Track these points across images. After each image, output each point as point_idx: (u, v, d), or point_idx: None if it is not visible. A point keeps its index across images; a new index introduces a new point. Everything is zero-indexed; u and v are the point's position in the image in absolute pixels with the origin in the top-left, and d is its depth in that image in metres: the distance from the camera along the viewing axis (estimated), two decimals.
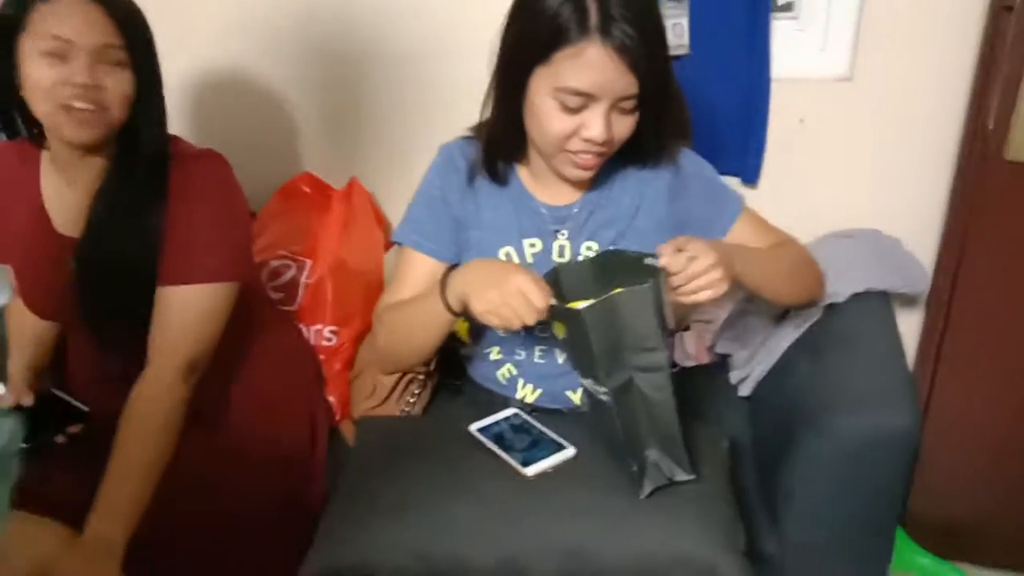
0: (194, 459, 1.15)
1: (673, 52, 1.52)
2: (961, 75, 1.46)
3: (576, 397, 1.25)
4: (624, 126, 1.07)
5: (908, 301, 1.63)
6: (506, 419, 1.23)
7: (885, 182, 1.57)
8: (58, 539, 1.03)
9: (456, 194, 1.21)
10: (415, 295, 1.19)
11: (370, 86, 1.72)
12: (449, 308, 1.09)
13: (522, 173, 1.21)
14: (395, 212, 1.81)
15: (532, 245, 1.20)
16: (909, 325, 1.64)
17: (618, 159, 1.16)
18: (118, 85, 1.08)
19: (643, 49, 1.00)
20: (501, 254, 1.20)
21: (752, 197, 1.62)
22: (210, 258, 1.15)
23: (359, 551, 1.04)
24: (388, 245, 1.70)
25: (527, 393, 1.27)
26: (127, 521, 1.03)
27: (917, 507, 1.65)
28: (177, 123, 1.87)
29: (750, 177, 1.60)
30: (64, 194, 1.19)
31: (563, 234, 1.20)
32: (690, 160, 1.22)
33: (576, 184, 1.19)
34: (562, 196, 1.20)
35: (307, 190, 1.73)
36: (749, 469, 1.38)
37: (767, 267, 1.19)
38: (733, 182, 1.62)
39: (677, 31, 1.50)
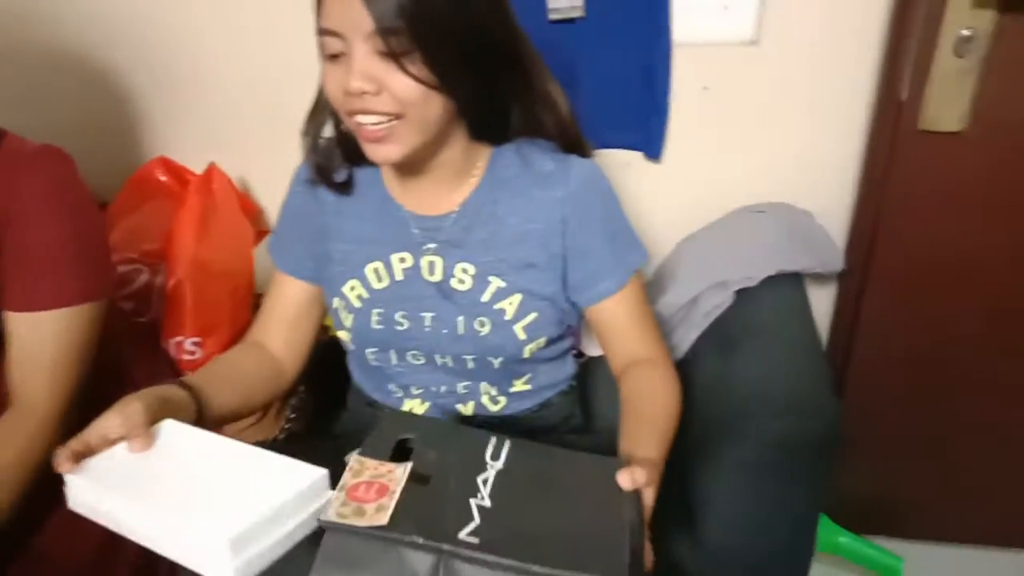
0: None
1: (566, 15, 1.38)
2: (872, 39, 1.37)
3: (467, 409, 1.12)
4: (399, 81, 0.85)
5: (820, 280, 1.55)
6: None
7: (795, 153, 1.47)
8: None
9: (317, 204, 1.06)
10: (222, 362, 1.04)
11: (220, 61, 1.53)
12: None
13: (386, 176, 1.05)
14: (265, 197, 1.64)
15: (402, 260, 1.04)
16: (822, 301, 1.56)
17: (509, 167, 1.00)
18: None
19: None
20: (368, 270, 1.04)
21: (656, 173, 1.51)
22: (60, 277, 0.97)
23: None
24: (260, 236, 1.53)
25: (414, 407, 1.12)
26: None
27: (836, 485, 1.60)
28: (16, 109, 1.66)
29: (653, 151, 1.48)
30: None
31: (431, 248, 1.03)
32: (599, 202, 1.01)
33: (451, 190, 1.01)
34: (434, 205, 1.03)
35: (162, 178, 1.53)
36: (668, 475, 1.28)
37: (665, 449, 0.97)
38: (635, 157, 1.50)
39: None
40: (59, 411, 0.98)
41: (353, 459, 0.79)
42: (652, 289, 1.47)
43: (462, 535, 0.70)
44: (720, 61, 1.41)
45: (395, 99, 0.86)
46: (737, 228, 1.45)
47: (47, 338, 0.97)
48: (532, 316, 1.02)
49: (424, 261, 1.03)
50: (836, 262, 1.44)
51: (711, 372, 1.25)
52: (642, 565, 0.74)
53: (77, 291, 0.99)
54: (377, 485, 0.75)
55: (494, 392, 1.10)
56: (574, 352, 1.21)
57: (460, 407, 1.11)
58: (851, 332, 1.51)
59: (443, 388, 1.09)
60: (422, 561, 0.69)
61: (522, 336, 1.02)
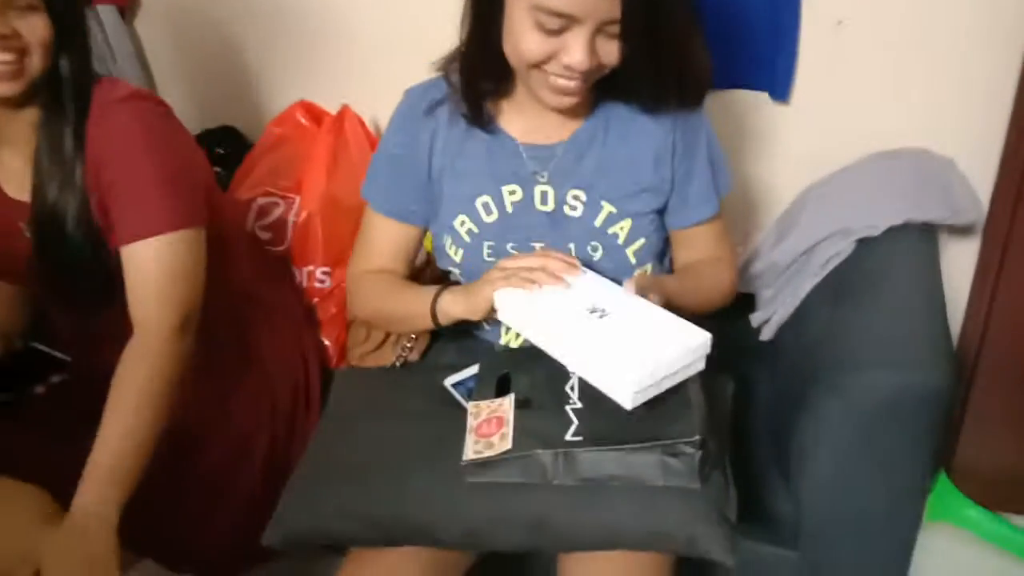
0: (180, 411, 1.09)
1: None
2: None
3: None
4: (610, 53, 0.92)
5: (962, 233, 1.44)
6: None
7: (937, 95, 1.36)
8: (42, 508, 0.99)
9: (422, 146, 1.10)
10: (398, 291, 1.14)
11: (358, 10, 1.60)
12: (439, 323, 1.08)
13: (497, 108, 1.08)
14: None
15: (512, 192, 1.08)
16: (962, 261, 1.45)
17: (619, 102, 1.04)
18: (33, 31, 0.99)
19: None
20: (478, 204, 1.08)
21: (784, 116, 1.45)
22: (155, 208, 1.06)
23: (316, 518, 0.98)
24: None
25: (511, 339, 1.17)
26: (122, 489, 0.98)
27: (966, 456, 1.51)
28: (164, 56, 1.82)
29: (780, 92, 1.41)
30: (5, 157, 1.12)
31: (543, 177, 1.07)
32: (703, 128, 1.09)
33: (563, 122, 1.05)
34: (545, 134, 1.07)
35: (302, 120, 1.62)
36: (764, 422, 1.26)
37: (684, 300, 1.05)
38: (761, 98, 1.44)
39: None
40: (172, 329, 1.06)
41: (470, 406, 0.98)
42: (771, 236, 1.42)
43: (568, 437, 0.90)
44: None
45: (598, 66, 0.93)
46: (866, 174, 1.37)
47: (148, 266, 1.05)
48: (641, 241, 1.07)
49: (536, 191, 1.07)
50: (973, 211, 1.33)
51: (821, 321, 1.21)
52: (707, 424, 0.90)
53: (166, 220, 1.06)
54: (495, 420, 0.94)
55: None
56: None
57: None
58: (992, 292, 1.40)
59: None
60: (545, 457, 0.90)
61: (633, 261, 1.07)
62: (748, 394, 1.29)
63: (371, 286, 1.15)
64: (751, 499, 1.06)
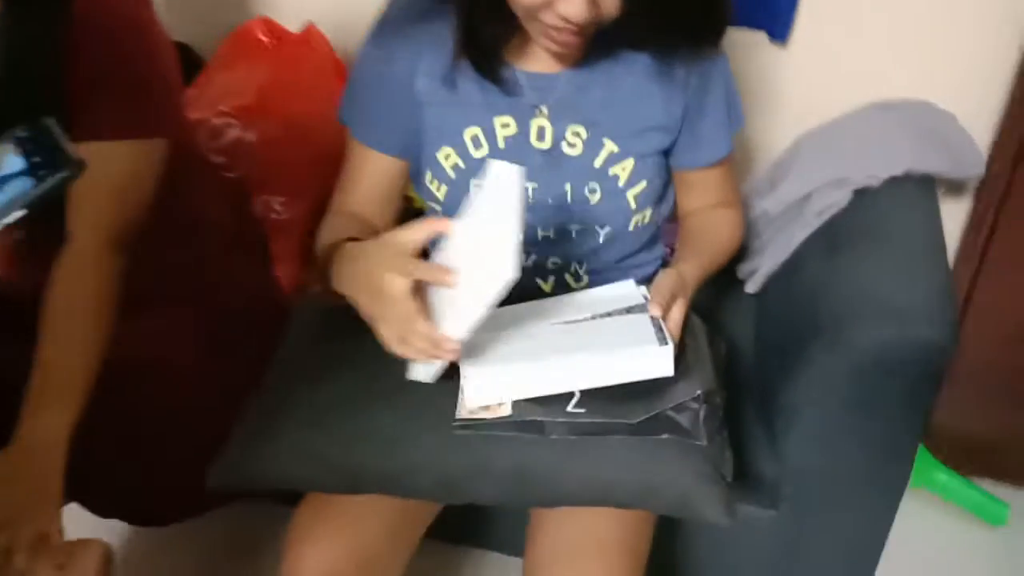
0: (125, 342, 0.99)
1: None
2: None
3: (547, 286, 1.06)
4: (611, 4, 0.81)
5: (953, 191, 1.39)
6: None
7: (941, 45, 1.30)
8: None
9: (404, 64, 0.96)
10: (338, 233, 0.96)
11: None
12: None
13: None
14: None
15: (505, 125, 0.97)
16: (953, 217, 1.40)
17: (630, 36, 0.92)
18: None
19: None
20: (466, 136, 0.97)
21: (782, 58, 1.37)
22: (126, 109, 0.95)
23: (269, 461, 0.89)
24: None
25: None
26: (68, 409, 0.89)
27: (939, 419, 1.47)
28: None
29: (779, 32, 1.33)
30: None
31: (543, 111, 0.96)
32: (719, 70, 0.99)
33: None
34: (547, 63, 0.95)
35: (262, 37, 1.49)
36: (747, 378, 1.20)
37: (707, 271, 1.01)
38: (759, 39, 1.36)
39: None
40: (109, 243, 0.96)
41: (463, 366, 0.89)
42: (763, 184, 1.35)
43: (570, 408, 0.86)
44: None
45: (598, 18, 0.82)
46: (865, 123, 1.30)
47: (101, 169, 0.91)
48: (643, 184, 0.98)
49: (533, 126, 0.97)
50: (976, 166, 1.28)
51: (814, 272, 1.15)
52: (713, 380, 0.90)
53: (134, 124, 0.96)
54: None
55: (582, 270, 1.04)
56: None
57: (541, 283, 1.06)
58: (982, 253, 1.36)
59: (531, 261, 1.03)
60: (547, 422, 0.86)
61: (632, 205, 0.98)
62: (730, 349, 1.23)
63: (328, 229, 1.00)
64: (735, 458, 1.01)
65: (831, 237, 1.17)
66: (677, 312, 0.89)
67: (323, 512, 0.91)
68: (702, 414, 0.83)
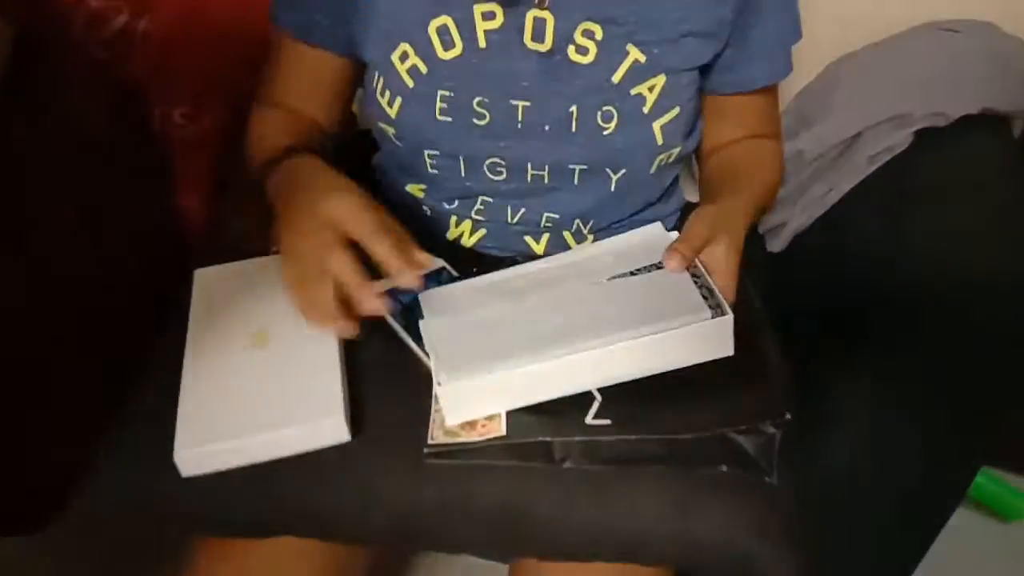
0: None
1: None
2: None
3: (539, 247, 0.83)
4: None
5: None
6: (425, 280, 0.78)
7: None
8: None
9: None
10: (275, 136, 0.80)
11: None
12: None
13: None
14: None
15: (488, 16, 0.71)
16: None
17: None
18: None
19: None
20: (431, 29, 0.71)
21: None
22: None
23: (155, 489, 0.65)
24: None
25: (464, 233, 0.83)
26: None
27: None
28: None
29: None
30: None
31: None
32: None
33: None
34: None
35: None
36: None
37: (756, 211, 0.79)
38: None
39: None
40: None
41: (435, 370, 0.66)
42: (790, 118, 1.13)
43: (589, 419, 0.63)
44: None
45: None
46: (920, 48, 1.10)
47: None
48: (675, 111, 0.75)
49: (528, 19, 0.70)
50: None
51: (867, 239, 0.96)
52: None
53: None
54: None
55: (586, 228, 0.82)
56: None
57: (531, 242, 0.83)
58: None
59: (520, 214, 0.80)
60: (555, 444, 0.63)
61: (659, 140, 0.75)
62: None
63: (263, 124, 0.82)
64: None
65: (888, 193, 0.97)
66: (725, 260, 0.66)
67: (226, 565, 0.68)
68: (777, 442, 0.61)
